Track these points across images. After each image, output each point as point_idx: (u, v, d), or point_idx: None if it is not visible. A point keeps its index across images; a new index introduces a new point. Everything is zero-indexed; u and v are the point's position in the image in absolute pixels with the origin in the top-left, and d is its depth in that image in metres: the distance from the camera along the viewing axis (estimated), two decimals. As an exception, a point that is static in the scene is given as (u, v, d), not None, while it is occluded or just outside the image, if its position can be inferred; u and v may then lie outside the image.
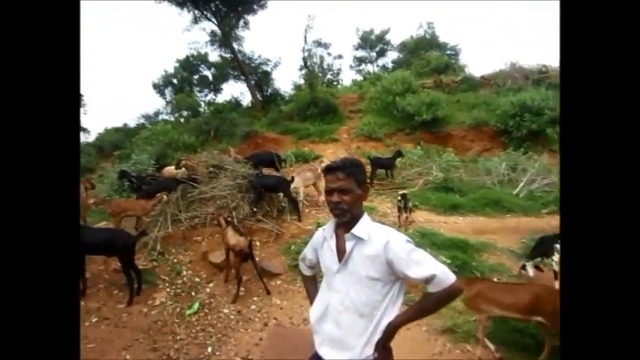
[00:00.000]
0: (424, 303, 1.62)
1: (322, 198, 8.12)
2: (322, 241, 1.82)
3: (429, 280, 1.53)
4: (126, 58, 62.18)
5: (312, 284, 2.08)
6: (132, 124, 28.00)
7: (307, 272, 2.09)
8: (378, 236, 1.61)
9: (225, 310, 4.99)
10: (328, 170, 1.71)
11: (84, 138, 26.25)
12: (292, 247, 6.24)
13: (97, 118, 60.35)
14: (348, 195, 1.64)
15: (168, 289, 5.52)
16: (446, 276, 1.52)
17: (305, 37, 23.04)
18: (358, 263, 1.62)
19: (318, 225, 6.36)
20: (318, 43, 33.13)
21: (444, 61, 24.61)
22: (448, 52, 29.71)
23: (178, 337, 4.40)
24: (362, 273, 1.60)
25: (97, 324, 4.60)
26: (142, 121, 29.04)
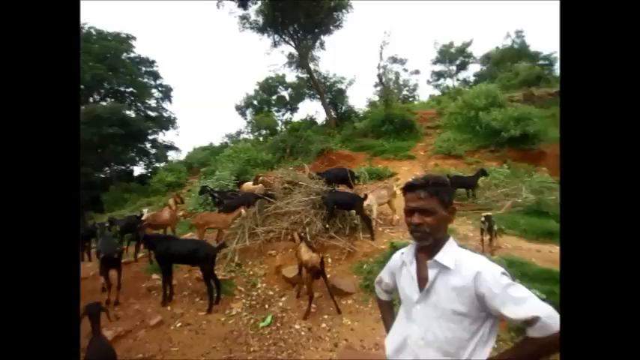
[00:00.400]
0: (523, 350, 1.35)
1: (397, 217, 7.86)
2: (401, 266, 1.69)
3: (530, 322, 1.28)
4: (214, 84, 68.79)
5: (388, 310, 1.95)
6: (217, 142, 30.62)
7: (383, 297, 1.95)
8: (466, 265, 1.43)
9: (297, 326, 5.01)
10: (408, 188, 1.57)
11: (176, 156, 29.32)
12: (364, 267, 6.10)
13: (187, 138, 67.40)
14: (431, 216, 1.49)
15: (244, 300, 5.75)
16: (553, 320, 1.26)
17: (380, 54, 23.24)
18: (442, 295, 1.45)
19: (392, 245, 6.14)
20: (394, 59, 33.11)
21: (536, 72, 22.69)
22: (541, 61, 27.37)
23: (252, 349, 4.52)
24: (446, 306, 1.44)
25: (181, 329, 4.96)
26: (226, 140, 31.60)
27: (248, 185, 9.94)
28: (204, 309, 5.44)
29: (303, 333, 4.87)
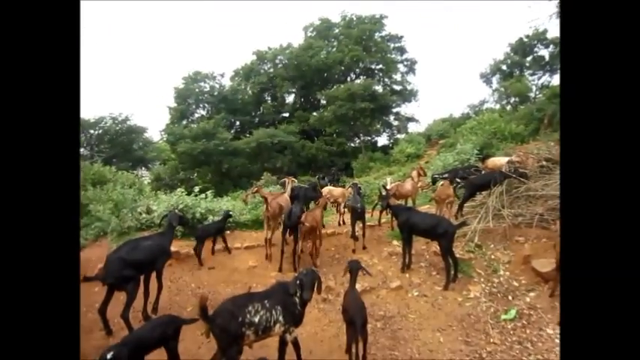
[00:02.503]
0: None
1: None
2: None
3: None
4: (456, 52, 65.33)
5: None
6: (457, 114, 29.35)
7: None
8: None
9: (549, 330, 4.31)
10: None
11: (415, 128, 30.10)
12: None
13: (427, 110, 67.48)
14: None
15: (483, 285, 5.42)
16: None
17: None
18: None
19: None
20: None
21: None
22: None
23: (491, 340, 4.24)
24: None
25: (418, 298, 5.20)
26: (467, 110, 29.81)
27: (494, 161, 9.05)
28: (440, 284, 5.48)
29: (556, 340, 4.15)
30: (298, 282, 3.52)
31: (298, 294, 3.51)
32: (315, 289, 3.60)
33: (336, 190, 8.76)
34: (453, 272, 5.46)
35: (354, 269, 4.00)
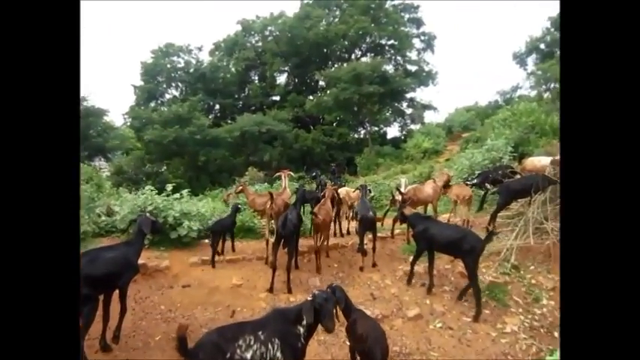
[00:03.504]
0: None
1: None
2: None
3: None
4: (484, 27, 65.42)
5: None
6: (484, 101, 29.42)
7: None
8: None
9: (604, 377, 4.21)
10: None
11: (434, 117, 30.11)
12: None
13: (448, 96, 67.25)
14: None
15: (521, 317, 5.33)
16: None
17: None
18: None
19: None
20: None
21: None
22: None
23: (536, 388, 4.14)
24: None
25: (441, 331, 5.09)
26: (496, 98, 29.88)
27: (533, 161, 8.99)
28: (469, 313, 5.38)
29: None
30: (317, 306, 3.39)
31: (304, 322, 3.39)
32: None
33: (354, 194, 8.69)
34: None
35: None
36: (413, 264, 6.10)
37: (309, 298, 3.50)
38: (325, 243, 7.07)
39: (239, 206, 7.60)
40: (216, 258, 6.79)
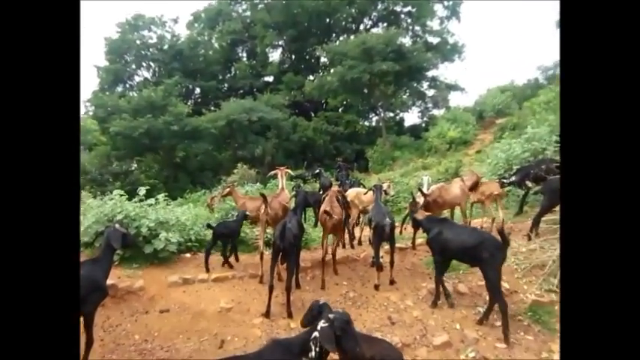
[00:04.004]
0: None
1: None
2: None
3: None
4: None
5: None
6: (522, 80, 29.32)
7: None
8: None
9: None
10: None
11: (461, 100, 30.08)
12: None
13: (478, 74, 66.16)
14: None
15: (572, 343, 5.32)
16: None
17: None
18: None
19: None
20: None
21: None
22: None
23: None
24: None
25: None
26: (536, 75, 29.81)
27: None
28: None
29: None
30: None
31: (312, 355, 3.41)
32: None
33: (366, 196, 8.64)
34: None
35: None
36: (438, 280, 6.12)
37: (322, 324, 3.51)
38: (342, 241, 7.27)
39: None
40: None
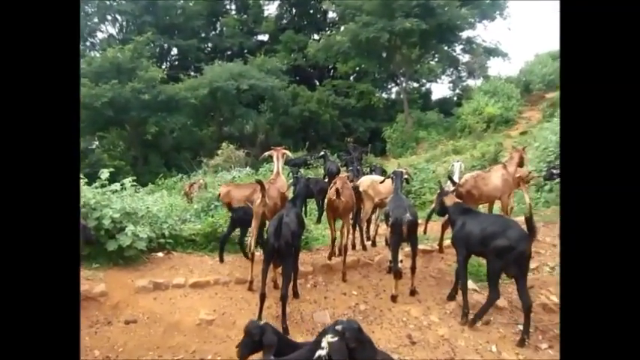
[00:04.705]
0: None
1: None
2: None
3: None
4: None
5: None
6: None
7: None
8: None
9: None
10: None
11: (502, 68, 29.89)
12: None
13: (524, 36, 65.74)
14: None
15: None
16: None
17: None
18: None
19: None
20: None
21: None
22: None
23: None
24: None
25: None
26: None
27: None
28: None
29: None
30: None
31: None
32: None
33: (383, 186, 8.53)
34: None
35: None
36: (464, 289, 6.17)
37: (330, 338, 3.52)
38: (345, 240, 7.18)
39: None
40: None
